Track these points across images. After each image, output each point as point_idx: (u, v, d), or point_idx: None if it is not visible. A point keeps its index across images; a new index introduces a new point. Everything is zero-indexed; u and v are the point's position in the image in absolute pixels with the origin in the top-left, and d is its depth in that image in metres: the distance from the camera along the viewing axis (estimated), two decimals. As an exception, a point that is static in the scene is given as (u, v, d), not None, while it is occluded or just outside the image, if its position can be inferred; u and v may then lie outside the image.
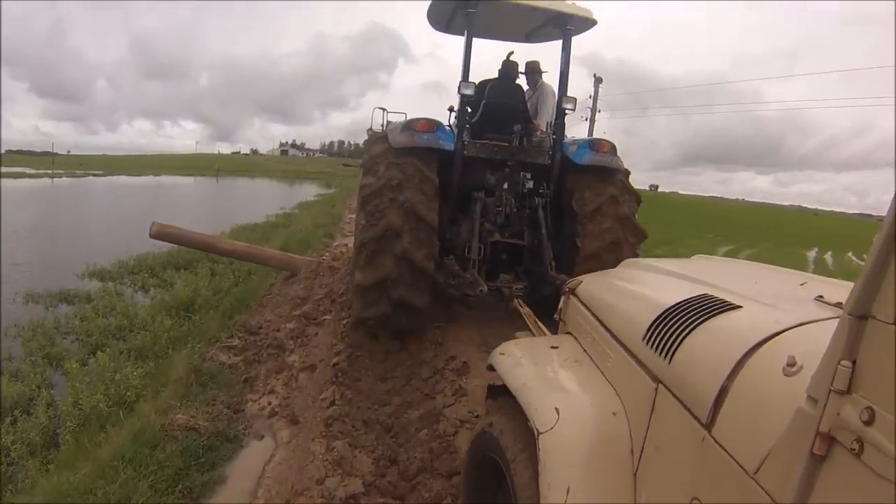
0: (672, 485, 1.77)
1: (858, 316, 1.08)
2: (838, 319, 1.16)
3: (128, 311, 10.23)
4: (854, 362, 1.08)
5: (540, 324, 3.93)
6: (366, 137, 7.60)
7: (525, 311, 4.75)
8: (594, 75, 36.69)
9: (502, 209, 6.48)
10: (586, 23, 6.74)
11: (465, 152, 6.54)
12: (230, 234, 19.24)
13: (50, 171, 71.07)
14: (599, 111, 36.03)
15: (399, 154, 6.08)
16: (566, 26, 6.73)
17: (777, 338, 1.57)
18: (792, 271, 2.60)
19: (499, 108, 6.87)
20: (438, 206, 6.10)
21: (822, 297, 1.79)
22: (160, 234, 10.16)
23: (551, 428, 2.07)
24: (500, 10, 6.91)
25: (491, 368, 2.86)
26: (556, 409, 2.13)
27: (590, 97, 35.57)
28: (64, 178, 63.24)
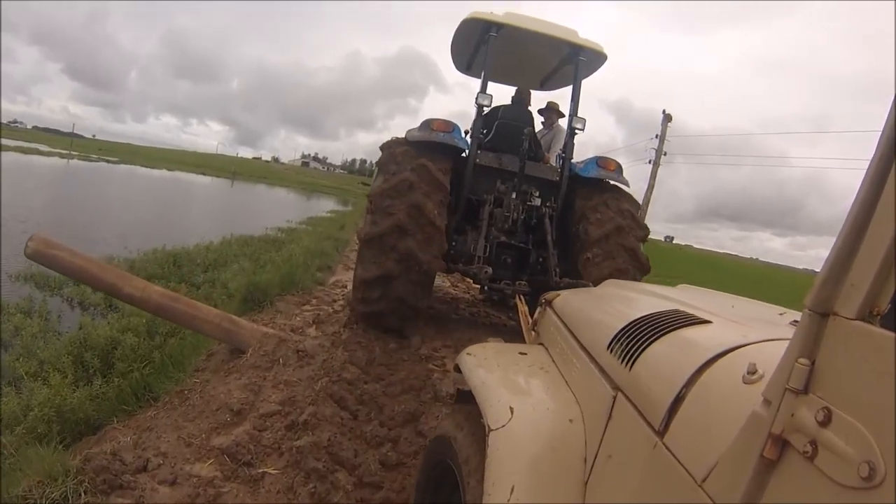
0: (620, 493, 1.70)
1: (820, 313, 1.04)
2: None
3: (30, 344, 7.27)
4: (813, 362, 1.04)
5: (530, 337, 3.49)
6: None
7: (522, 308, 4.70)
8: (663, 111, 31.12)
9: (510, 215, 6.62)
10: (597, 57, 7.17)
11: (478, 161, 6.80)
12: (221, 244, 16.79)
13: (64, 152, 71.28)
14: (665, 154, 30.31)
15: (414, 151, 6.33)
16: (578, 58, 7.10)
17: (741, 349, 1.52)
18: (774, 305, 2.50)
19: (510, 128, 7.13)
20: (448, 211, 6.33)
21: (797, 321, 1.54)
22: (38, 254, 6.24)
23: (503, 426, 2.03)
24: (516, 50, 7.56)
25: (458, 370, 2.78)
26: (511, 409, 2.09)
27: (655, 136, 30.36)
28: (76, 161, 62.73)
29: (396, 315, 6.24)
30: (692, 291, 2.90)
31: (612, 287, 3.16)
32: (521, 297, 5.27)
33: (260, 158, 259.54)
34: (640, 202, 28.16)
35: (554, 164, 7.41)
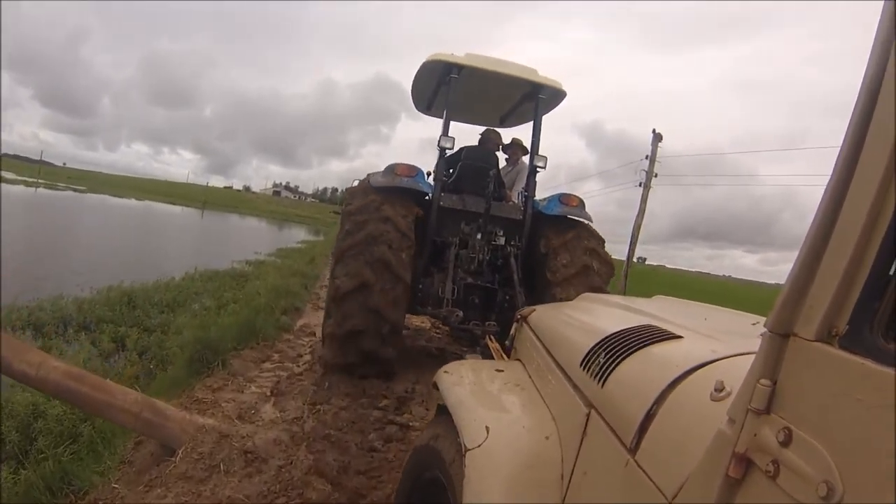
0: None
1: (780, 334, 1.06)
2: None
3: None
4: (775, 382, 1.06)
5: (507, 360, 3.43)
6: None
7: (494, 346, 4.49)
8: (653, 130, 28.54)
9: (475, 256, 6.66)
10: (556, 94, 7.35)
11: (442, 203, 6.89)
12: (183, 279, 15.90)
13: (29, 180, 70.53)
14: (656, 175, 27.90)
15: (378, 198, 6.37)
16: (538, 96, 7.24)
17: (710, 365, 1.53)
18: (748, 314, 2.46)
19: (474, 169, 7.27)
20: (413, 260, 6.37)
21: None
22: None
23: (479, 445, 2.01)
24: (476, 90, 7.71)
25: (436, 387, 2.74)
26: (487, 428, 2.08)
27: (645, 157, 27.98)
28: (43, 189, 61.47)
29: (366, 366, 6.27)
30: (667, 303, 2.90)
31: (586, 301, 3.16)
32: (491, 336, 5.28)
33: (231, 187, 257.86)
34: (632, 226, 27.07)
35: (516, 201, 7.54)
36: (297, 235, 53.32)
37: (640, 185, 27.73)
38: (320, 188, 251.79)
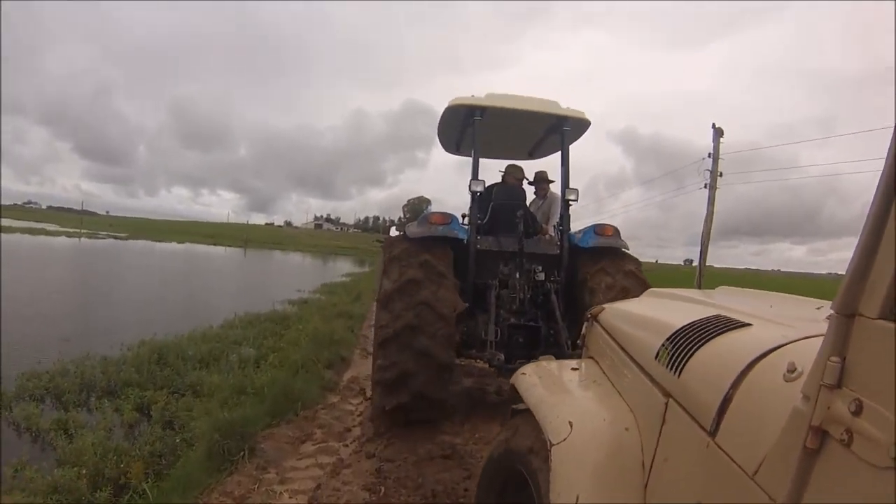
0: (678, 492, 1.77)
1: (846, 314, 1.15)
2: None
3: None
4: (844, 359, 1.14)
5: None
6: (400, 214, 8.25)
7: None
8: (713, 125, 25.89)
9: (516, 296, 6.68)
10: (581, 124, 7.47)
11: (479, 246, 6.94)
12: (222, 326, 14.50)
13: (72, 230, 71.89)
14: (721, 174, 25.28)
15: (415, 246, 6.44)
16: (563, 128, 7.33)
17: (781, 349, 1.61)
18: (811, 299, 2.50)
19: (505, 208, 7.29)
20: (455, 301, 6.34)
21: None
22: None
23: (564, 440, 2.08)
24: (501, 128, 7.91)
25: (513, 389, 2.81)
26: (570, 423, 2.14)
27: (708, 156, 25.47)
28: (85, 239, 62.24)
29: (420, 409, 6.17)
30: (731, 294, 2.95)
31: (653, 297, 3.19)
32: None
33: (272, 223, 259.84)
34: (702, 231, 25.09)
35: (553, 235, 7.58)
36: (342, 268, 52.44)
37: (704, 187, 25.22)
38: (362, 218, 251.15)
